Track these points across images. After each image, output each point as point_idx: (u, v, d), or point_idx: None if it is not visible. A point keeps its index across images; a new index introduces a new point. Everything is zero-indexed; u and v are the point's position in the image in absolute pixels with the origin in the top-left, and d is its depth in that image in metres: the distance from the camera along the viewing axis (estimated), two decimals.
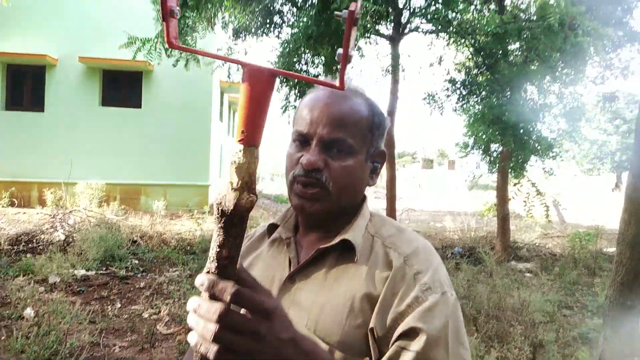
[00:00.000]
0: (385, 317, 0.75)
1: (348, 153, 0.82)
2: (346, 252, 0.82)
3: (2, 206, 10.33)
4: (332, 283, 0.80)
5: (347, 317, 0.76)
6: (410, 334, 0.72)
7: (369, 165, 0.88)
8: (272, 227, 0.94)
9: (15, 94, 12.01)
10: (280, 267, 0.87)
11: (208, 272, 0.54)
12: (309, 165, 0.80)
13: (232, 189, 0.50)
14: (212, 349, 0.53)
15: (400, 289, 0.76)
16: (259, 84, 0.50)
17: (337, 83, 0.51)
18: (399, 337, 0.73)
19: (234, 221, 0.51)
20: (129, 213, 9.68)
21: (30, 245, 7.09)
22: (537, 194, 7.25)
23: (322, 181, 0.81)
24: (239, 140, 0.50)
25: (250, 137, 0.50)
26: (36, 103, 11.91)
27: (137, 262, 6.63)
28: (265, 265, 0.89)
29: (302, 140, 0.84)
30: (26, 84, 12.05)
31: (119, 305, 4.89)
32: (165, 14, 0.49)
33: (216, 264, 0.53)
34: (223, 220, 0.51)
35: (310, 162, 0.80)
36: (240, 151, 0.50)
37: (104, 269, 6.18)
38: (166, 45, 0.44)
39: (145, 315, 4.64)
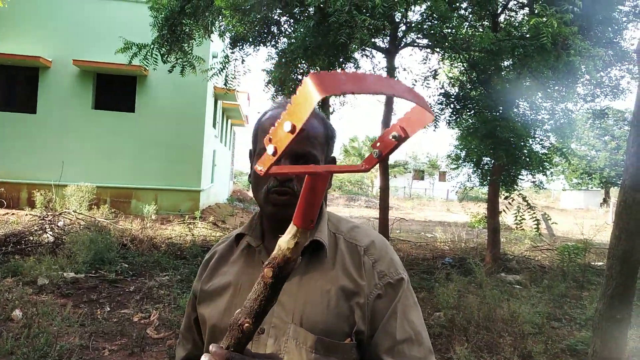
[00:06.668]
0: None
1: (312, 163, 0.92)
2: (316, 252, 0.92)
3: None
4: (309, 281, 0.90)
5: (326, 309, 0.87)
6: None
7: None
8: (239, 237, 1.03)
9: (8, 95, 11.94)
10: (255, 273, 0.92)
11: (244, 324, 0.62)
12: (283, 177, 0.89)
13: (288, 257, 0.61)
14: None
15: (363, 277, 0.90)
16: (324, 182, 0.59)
17: (362, 165, 0.58)
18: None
19: (283, 279, 0.62)
20: (119, 217, 9.62)
21: (18, 246, 7.01)
22: (528, 208, 7.33)
23: (294, 189, 0.90)
24: (304, 226, 0.60)
25: (311, 224, 0.60)
26: (28, 105, 11.84)
27: (126, 265, 6.57)
28: (240, 273, 0.96)
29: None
30: (19, 86, 11.96)
31: (109, 309, 4.86)
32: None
33: (253, 316, 0.62)
34: (275, 280, 0.61)
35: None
36: (301, 233, 0.60)
37: (94, 272, 6.13)
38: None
39: (135, 319, 4.61)
